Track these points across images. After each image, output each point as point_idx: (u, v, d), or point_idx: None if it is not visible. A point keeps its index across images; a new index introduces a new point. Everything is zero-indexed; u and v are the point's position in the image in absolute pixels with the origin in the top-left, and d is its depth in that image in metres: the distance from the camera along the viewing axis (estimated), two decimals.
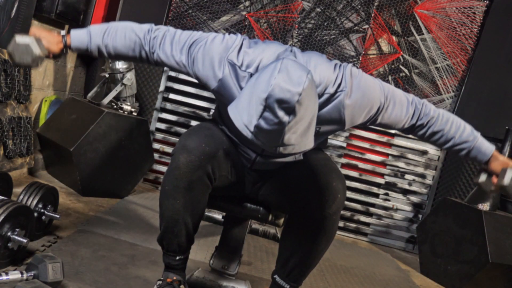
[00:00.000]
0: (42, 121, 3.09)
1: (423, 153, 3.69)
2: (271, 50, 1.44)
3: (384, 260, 3.25)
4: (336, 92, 1.41)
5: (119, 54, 1.56)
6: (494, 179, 1.55)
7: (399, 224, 3.74)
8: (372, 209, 3.72)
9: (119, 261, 1.96)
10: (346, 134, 3.66)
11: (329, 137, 3.29)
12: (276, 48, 1.46)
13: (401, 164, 3.69)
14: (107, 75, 3.07)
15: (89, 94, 3.09)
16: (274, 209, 1.72)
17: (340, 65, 1.46)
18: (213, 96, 2.94)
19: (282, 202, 1.63)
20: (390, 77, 3.74)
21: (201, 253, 2.34)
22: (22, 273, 1.47)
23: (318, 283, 2.37)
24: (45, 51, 1.50)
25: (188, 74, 1.52)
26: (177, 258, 1.61)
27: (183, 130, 3.60)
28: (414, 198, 3.72)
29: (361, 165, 3.68)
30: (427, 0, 3.66)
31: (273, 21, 3.67)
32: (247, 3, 3.65)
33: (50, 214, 1.92)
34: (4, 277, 1.44)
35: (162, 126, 3.66)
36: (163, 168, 3.61)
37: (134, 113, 3.03)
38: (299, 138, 1.22)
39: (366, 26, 3.68)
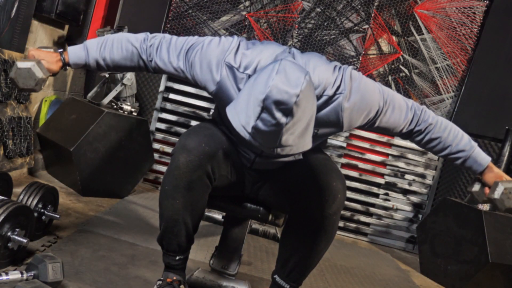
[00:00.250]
0: (42, 121, 3.09)
1: (423, 153, 3.69)
2: (269, 51, 1.44)
3: (384, 260, 3.25)
4: (334, 94, 1.41)
5: (117, 65, 1.57)
6: (487, 190, 1.55)
7: (399, 224, 3.74)
8: (372, 209, 3.72)
9: (119, 261, 1.96)
10: (346, 134, 3.66)
11: (329, 137, 3.28)
12: (274, 49, 1.46)
13: (401, 164, 3.69)
14: (107, 75, 3.07)
15: (89, 94, 3.09)
16: (274, 209, 1.72)
17: (340, 67, 1.46)
18: None
19: (282, 202, 1.63)
20: (390, 77, 3.74)
21: (201, 253, 2.34)
22: (22, 273, 1.47)
23: (318, 283, 2.37)
24: (47, 73, 1.51)
25: (186, 79, 1.53)
26: (177, 258, 1.61)
27: (183, 130, 3.60)
28: (414, 198, 3.72)
29: (361, 165, 3.68)
30: (427, 0, 3.66)
31: (273, 21, 3.67)
32: (247, 3, 3.65)
33: (50, 214, 1.92)
34: (4, 277, 1.44)
35: (162, 126, 3.66)
36: (163, 168, 3.61)
37: (134, 113, 3.03)
38: (297, 139, 1.22)
39: (366, 26, 3.68)
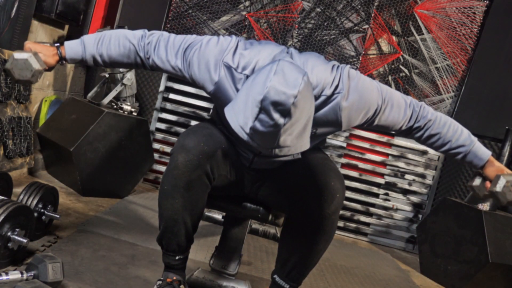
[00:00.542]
0: (42, 121, 3.09)
1: (423, 153, 3.69)
2: (267, 51, 1.44)
3: (384, 260, 3.25)
4: (333, 94, 1.41)
5: (114, 61, 1.56)
6: (488, 184, 1.55)
7: (399, 224, 3.74)
8: (372, 209, 3.72)
9: (119, 261, 1.96)
10: (346, 134, 3.66)
11: (328, 136, 3.29)
12: (272, 49, 1.45)
13: (401, 164, 3.69)
14: (107, 75, 3.07)
15: (89, 94, 3.09)
16: (274, 209, 1.72)
17: (338, 67, 1.46)
18: None
19: (281, 201, 1.63)
20: (390, 77, 3.74)
21: (201, 253, 2.34)
22: (22, 273, 1.47)
23: (318, 283, 2.37)
24: (43, 65, 1.50)
25: (184, 78, 1.52)
26: (177, 258, 1.60)
27: (183, 130, 3.59)
28: (414, 198, 3.72)
29: (361, 165, 3.68)
30: (427, 0, 3.66)
31: (273, 21, 3.67)
32: (247, 3, 3.65)
33: (50, 214, 1.92)
34: (4, 277, 1.44)
35: (162, 126, 3.66)
36: (163, 168, 3.61)
37: (134, 113, 3.03)
38: (295, 139, 1.22)
39: (366, 26, 3.68)
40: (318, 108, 1.40)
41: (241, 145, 1.58)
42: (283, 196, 1.61)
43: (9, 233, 1.58)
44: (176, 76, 1.54)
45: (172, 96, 3.63)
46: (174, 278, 1.60)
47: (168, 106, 3.64)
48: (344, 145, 3.67)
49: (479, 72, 3.62)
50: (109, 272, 1.83)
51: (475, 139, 1.57)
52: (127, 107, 2.99)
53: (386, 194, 3.71)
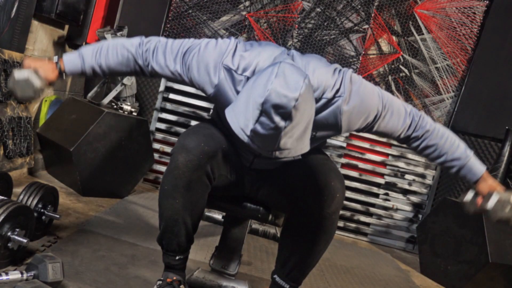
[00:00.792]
0: (42, 121, 3.09)
1: None
2: (267, 52, 1.43)
3: (384, 260, 3.25)
4: (334, 97, 1.40)
5: (113, 71, 1.56)
6: (479, 201, 1.54)
7: (399, 224, 3.74)
8: (372, 209, 3.72)
9: (119, 261, 1.96)
10: (346, 134, 3.66)
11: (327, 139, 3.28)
12: (272, 51, 1.45)
13: (401, 164, 3.69)
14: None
15: (89, 94, 3.09)
16: (274, 209, 1.72)
17: (340, 70, 1.45)
18: None
19: (281, 201, 1.63)
20: (390, 77, 3.74)
21: (201, 253, 2.34)
22: (22, 273, 1.47)
23: (318, 283, 2.37)
24: (44, 81, 1.51)
25: (184, 82, 1.52)
26: (177, 258, 1.60)
27: (183, 130, 3.59)
28: (414, 198, 3.72)
29: (361, 165, 3.68)
30: (427, 0, 3.66)
31: (273, 21, 3.67)
32: (247, 3, 3.65)
33: (50, 214, 1.92)
34: (4, 277, 1.44)
35: (162, 126, 3.66)
36: (163, 168, 3.61)
37: (134, 113, 3.03)
38: (295, 142, 1.22)
39: (366, 26, 3.68)
40: (318, 111, 1.40)
41: (242, 146, 1.58)
42: (283, 196, 1.61)
43: (9, 233, 1.58)
44: (175, 81, 1.54)
45: (172, 96, 3.63)
46: (174, 278, 1.60)
47: (168, 106, 3.64)
48: (344, 145, 3.67)
49: (479, 72, 3.62)
50: (109, 272, 1.83)
51: (471, 153, 1.56)
52: (127, 107, 2.99)
53: (386, 194, 3.71)
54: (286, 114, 1.16)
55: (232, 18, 3.67)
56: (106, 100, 2.98)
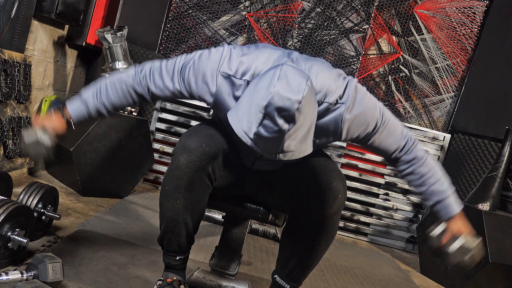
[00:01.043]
0: None
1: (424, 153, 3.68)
2: (265, 55, 1.42)
3: (384, 260, 3.25)
4: (336, 102, 1.39)
5: (117, 107, 1.58)
6: (445, 239, 1.56)
7: (399, 224, 3.74)
8: (372, 209, 3.72)
9: (119, 261, 1.96)
10: None
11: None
12: (270, 53, 1.43)
13: None
14: (107, 75, 3.06)
15: None
16: (274, 209, 1.72)
17: (345, 77, 1.44)
18: None
19: (283, 202, 1.63)
20: (390, 77, 3.74)
21: (201, 253, 2.34)
22: (22, 273, 1.47)
23: (318, 283, 2.37)
24: (54, 138, 1.53)
25: (184, 98, 1.52)
26: (177, 258, 1.60)
27: (183, 130, 3.60)
28: (414, 198, 3.72)
29: (361, 165, 3.68)
30: (427, 0, 3.66)
31: (273, 21, 3.67)
32: (247, 3, 3.65)
33: (50, 214, 1.92)
34: (4, 277, 1.44)
35: (162, 126, 3.66)
36: (163, 168, 3.61)
37: (134, 113, 3.03)
38: (299, 144, 1.22)
39: (366, 26, 3.68)
40: (319, 116, 1.38)
41: (243, 148, 1.57)
42: (284, 197, 1.60)
43: (9, 233, 1.58)
44: (178, 99, 1.55)
45: None
46: (174, 278, 1.60)
47: (168, 106, 3.64)
48: (344, 145, 3.67)
49: (479, 72, 3.62)
50: (109, 272, 1.83)
51: (452, 191, 1.58)
52: None
53: (386, 194, 3.71)
54: (290, 116, 1.16)
55: (232, 18, 3.67)
56: None
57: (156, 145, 3.61)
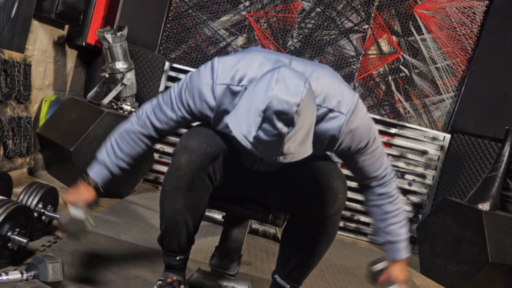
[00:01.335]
0: (42, 121, 3.09)
1: (423, 153, 3.69)
2: (259, 60, 1.40)
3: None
4: (337, 110, 1.37)
5: (134, 157, 1.60)
6: (381, 279, 1.61)
7: None
8: None
9: (119, 261, 1.96)
10: None
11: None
12: (264, 56, 1.41)
13: (401, 164, 3.69)
14: (107, 75, 3.07)
15: (89, 94, 3.09)
16: (274, 209, 1.72)
17: (348, 88, 1.44)
18: None
19: (283, 202, 1.63)
20: (390, 77, 3.74)
21: (201, 253, 2.34)
22: (22, 273, 1.47)
23: (318, 283, 2.37)
24: (87, 210, 1.56)
25: (191, 122, 1.54)
26: (177, 258, 1.60)
27: (183, 131, 3.59)
28: (414, 198, 3.72)
29: None
30: (427, 0, 3.66)
31: (273, 21, 3.67)
32: (247, 3, 3.65)
33: (50, 214, 1.92)
34: (4, 277, 1.44)
35: None
36: (163, 168, 3.61)
37: (134, 113, 3.02)
38: (298, 146, 1.22)
39: (366, 26, 3.68)
40: (317, 122, 1.36)
41: (243, 150, 1.57)
42: (285, 197, 1.60)
43: (9, 233, 1.57)
44: (184, 127, 1.58)
45: None
46: (174, 278, 1.60)
47: None
48: None
49: (479, 72, 3.62)
50: (109, 272, 1.83)
51: (406, 237, 1.62)
52: (127, 107, 2.99)
53: None
54: (289, 120, 1.15)
55: (232, 18, 3.67)
56: (106, 100, 2.98)
57: (156, 145, 3.61)
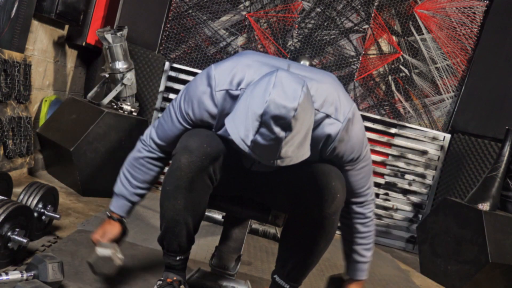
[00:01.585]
0: (42, 121, 3.09)
1: (423, 153, 3.69)
2: (256, 64, 1.40)
3: (384, 260, 3.25)
4: (334, 117, 1.38)
5: (150, 181, 1.66)
6: None
7: (399, 224, 3.74)
8: None
9: None
10: None
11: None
12: (259, 60, 1.41)
13: (401, 164, 3.69)
14: (107, 75, 3.07)
15: (89, 94, 3.09)
16: (274, 209, 1.72)
17: (348, 98, 1.44)
18: None
19: (282, 202, 1.63)
20: (390, 77, 3.74)
21: (201, 253, 2.34)
22: (22, 273, 1.47)
23: (318, 283, 2.37)
24: (113, 245, 1.60)
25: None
26: (178, 258, 1.60)
27: None
28: (414, 198, 3.72)
29: None
30: (427, 0, 3.66)
31: (273, 21, 3.67)
32: (247, 3, 3.65)
33: (50, 214, 1.92)
34: (4, 277, 1.44)
35: None
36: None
37: (134, 113, 3.03)
38: (296, 150, 1.22)
39: (366, 26, 3.68)
40: (314, 127, 1.36)
41: (242, 151, 1.57)
42: (284, 197, 1.61)
43: (9, 233, 1.58)
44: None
45: (172, 96, 3.63)
46: (175, 278, 1.60)
47: None
48: None
49: (479, 72, 3.62)
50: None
51: (369, 260, 1.65)
52: (127, 107, 2.99)
53: (386, 194, 3.71)
54: (286, 124, 1.15)
55: (232, 18, 3.67)
56: (106, 100, 2.98)
57: None
